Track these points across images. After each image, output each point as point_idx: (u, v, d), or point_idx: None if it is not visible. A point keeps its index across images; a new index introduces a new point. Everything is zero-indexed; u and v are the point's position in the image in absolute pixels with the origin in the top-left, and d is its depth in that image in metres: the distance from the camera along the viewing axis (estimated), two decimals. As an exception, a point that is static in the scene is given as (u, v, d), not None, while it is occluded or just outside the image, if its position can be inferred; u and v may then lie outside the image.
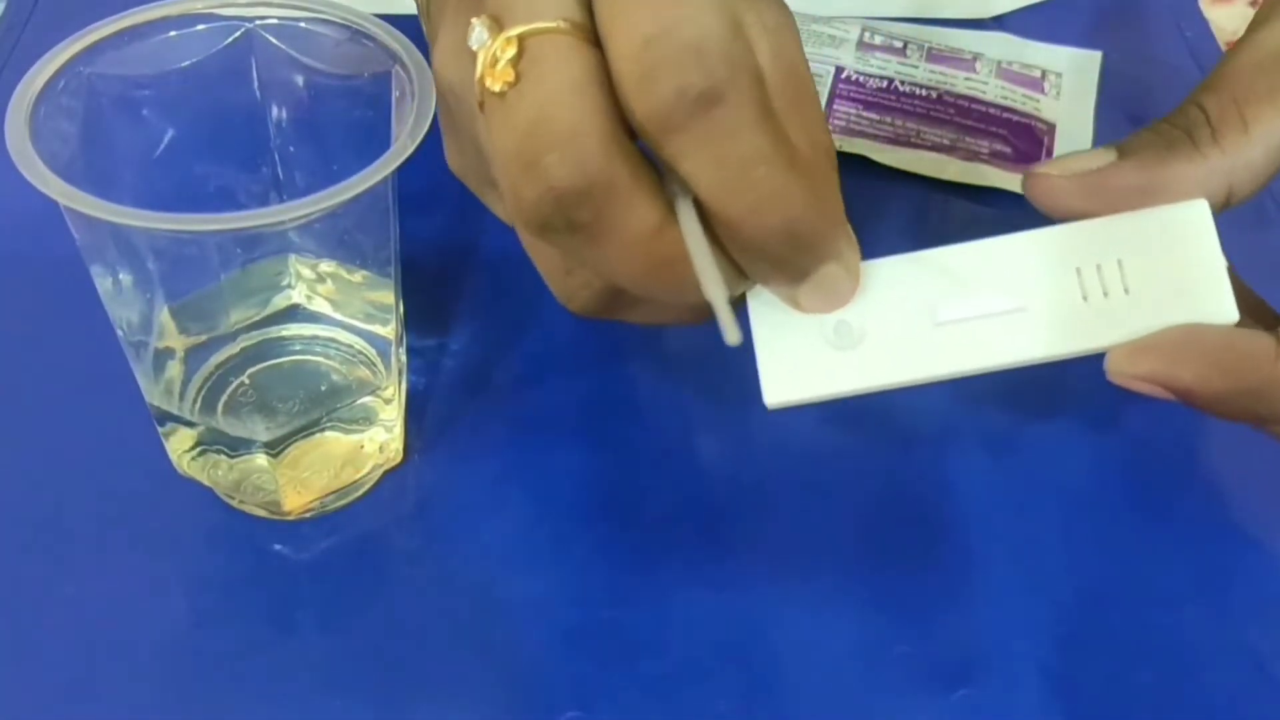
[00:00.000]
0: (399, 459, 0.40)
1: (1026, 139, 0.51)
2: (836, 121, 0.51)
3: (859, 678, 0.36)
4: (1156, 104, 0.52)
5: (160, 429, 0.38)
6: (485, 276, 0.47)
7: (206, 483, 0.39)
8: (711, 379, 0.44)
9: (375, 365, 0.39)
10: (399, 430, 0.40)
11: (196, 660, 0.36)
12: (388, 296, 0.38)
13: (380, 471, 0.40)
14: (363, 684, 0.36)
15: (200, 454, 0.38)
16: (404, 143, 0.33)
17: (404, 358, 0.40)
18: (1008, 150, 0.51)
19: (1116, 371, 0.28)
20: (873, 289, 0.28)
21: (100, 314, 0.36)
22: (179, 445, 0.38)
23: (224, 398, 0.38)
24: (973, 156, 0.50)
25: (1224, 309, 0.27)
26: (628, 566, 0.38)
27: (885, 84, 0.53)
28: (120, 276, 0.36)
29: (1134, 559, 0.39)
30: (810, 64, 0.53)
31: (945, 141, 0.51)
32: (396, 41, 0.35)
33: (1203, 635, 0.37)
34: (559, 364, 0.44)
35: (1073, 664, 0.36)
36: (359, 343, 0.40)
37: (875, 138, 0.51)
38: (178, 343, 0.38)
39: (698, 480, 0.41)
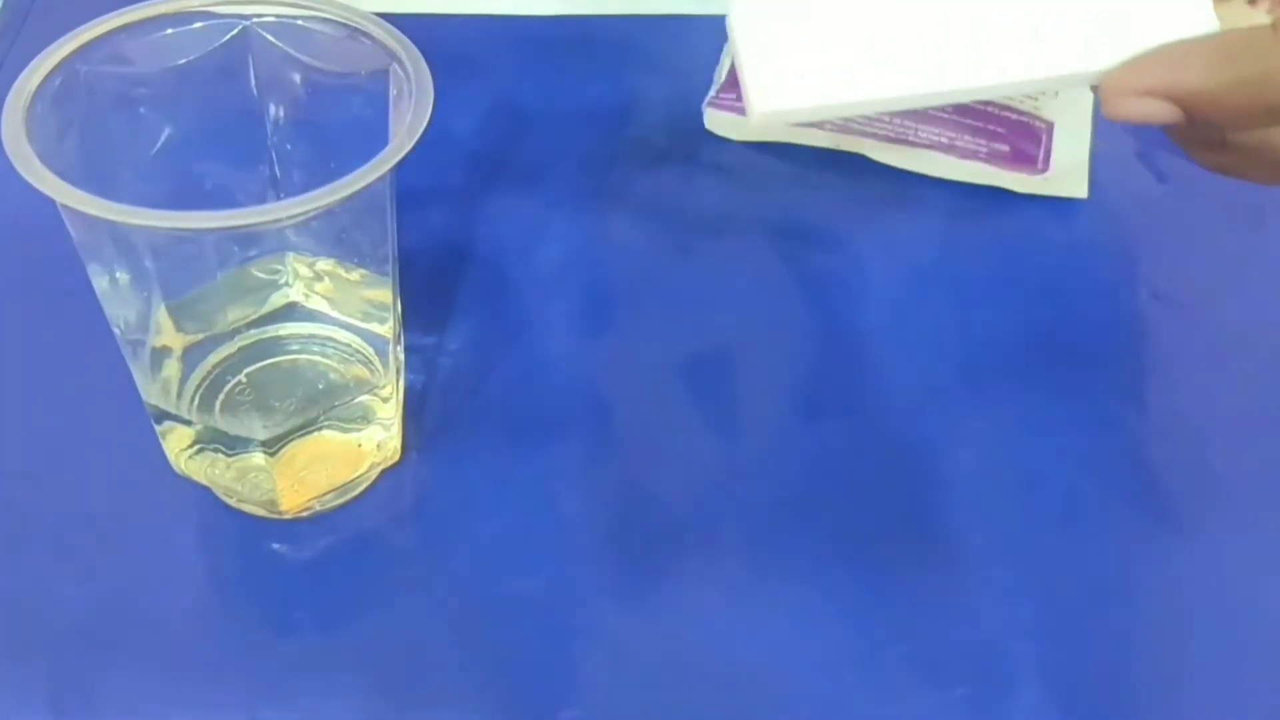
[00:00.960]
0: (397, 458, 0.40)
1: (1025, 138, 0.51)
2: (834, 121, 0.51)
3: (857, 676, 0.36)
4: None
5: (158, 428, 0.38)
6: (483, 275, 0.46)
7: (204, 481, 0.39)
8: (710, 379, 0.44)
9: (373, 364, 0.39)
10: (397, 429, 0.40)
11: (193, 659, 0.36)
12: (385, 295, 0.38)
13: (378, 470, 0.40)
14: (360, 683, 0.36)
15: (198, 453, 0.38)
16: (402, 140, 0.33)
17: (402, 356, 0.40)
18: (1005, 149, 0.51)
19: (1116, 89, 0.27)
20: (864, 4, 0.28)
21: (97, 313, 0.36)
22: (176, 444, 0.38)
23: (221, 396, 0.38)
24: (971, 155, 0.50)
25: (1204, 19, 0.28)
26: (625, 565, 0.38)
27: None
28: (117, 275, 0.36)
29: (1132, 556, 0.39)
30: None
31: (943, 140, 0.51)
32: (394, 39, 0.35)
33: (1201, 633, 0.37)
34: (557, 363, 0.44)
35: (1071, 662, 0.36)
36: (356, 341, 0.40)
37: (873, 136, 0.51)
38: (175, 341, 0.38)
39: (695, 479, 0.41)
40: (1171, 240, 0.49)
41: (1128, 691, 0.36)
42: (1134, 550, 0.39)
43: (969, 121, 0.51)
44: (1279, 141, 0.29)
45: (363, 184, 0.31)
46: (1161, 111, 0.27)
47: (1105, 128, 0.52)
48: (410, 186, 0.39)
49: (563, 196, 0.50)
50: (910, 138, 0.51)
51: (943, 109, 0.52)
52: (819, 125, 0.51)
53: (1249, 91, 0.27)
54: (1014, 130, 0.51)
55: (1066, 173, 0.50)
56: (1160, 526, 0.40)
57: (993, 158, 0.50)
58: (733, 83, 0.53)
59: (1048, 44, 0.27)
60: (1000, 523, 0.40)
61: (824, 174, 0.51)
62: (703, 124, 0.52)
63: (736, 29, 0.27)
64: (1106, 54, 0.27)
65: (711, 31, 0.56)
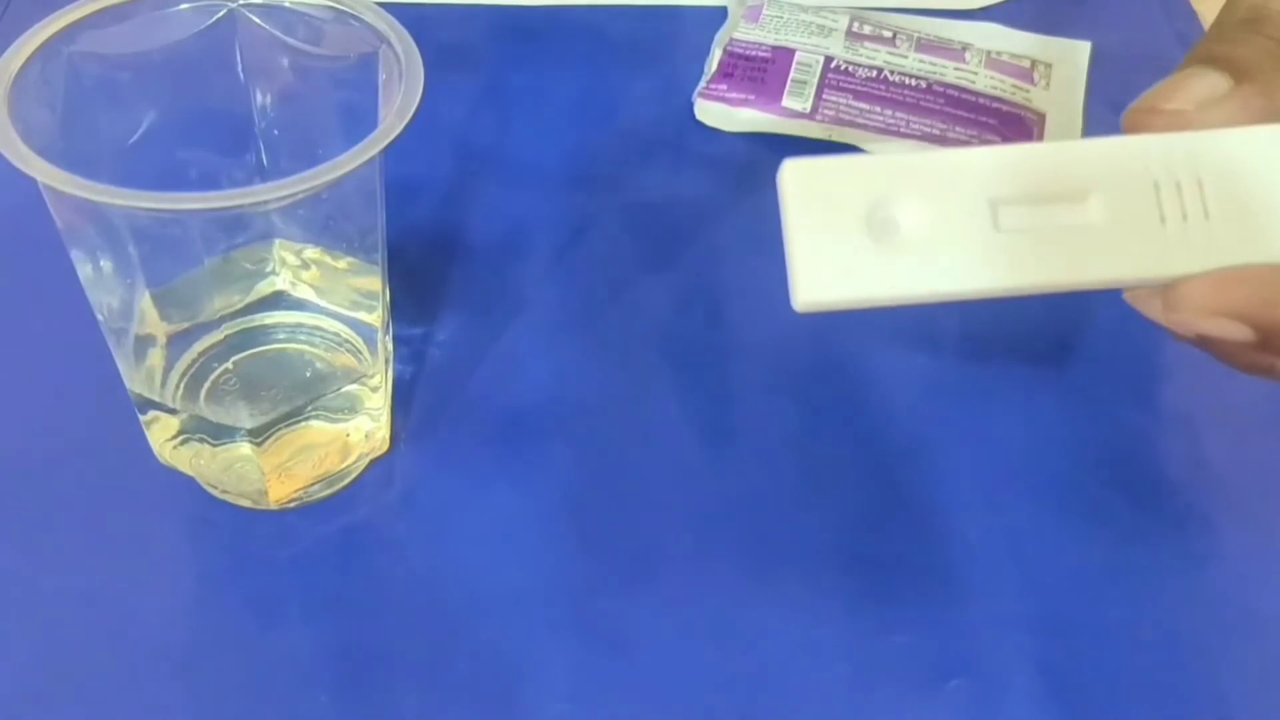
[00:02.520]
0: (385, 448, 0.40)
1: (1016, 129, 0.51)
2: (826, 111, 0.51)
3: (852, 668, 0.36)
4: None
5: (142, 417, 0.38)
6: (473, 266, 0.46)
7: (189, 472, 0.38)
8: (699, 371, 0.43)
9: (361, 353, 0.39)
10: (385, 419, 0.39)
11: (179, 652, 0.36)
12: (374, 283, 0.38)
13: (366, 461, 0.39)
14: (348, 676, 0.35)
15: (183, 443, 0.37)
16: (391, 123, 0.32)
17: (390, 346, 0.39)
18: (997, 140, 0.50)
19: (1194, 305, 0.25)
20: (927, 182, 0.24)
21: (81, 300, 0.36)
22: (161, 434, 0.38)
23: (207, 385, 0.38)
24: (963, 146, 0.50)
25: None
26: (616, 557, 0.38)
27: (875, 74, 0.52)
28: (101, 261, 0.35)
29: (1127, 550, 0.39)
30: (799, 53, 0.53)
31: (935, 131, 0.50)
32: (384, 21, 0.34)
33: (1197, 627, 0.37)
34: (546, 354, 0.43)
35: (1066, 654, 0.36)
36: (345, 330, 0.39)
37: (865, 128, 0.51)
38: (159, 329, 0.37)
39: (686, 471, 0.40)
40: None
41: (1122, 685, 0.36)
42: (1129, 544, 0.39)
43: (961, 113, 0.51)
44: None
45: (351, 166, 0.31)
46: (1234, 332, 0.25)
47: (1096, 118, 0.52)
48: (399, 176, 0.39)
49: (552, 187, 0.49)
50: (902, 129, 0.51)
51: (934, 101, 0.51)
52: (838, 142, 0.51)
53: None
54: (1005, 121, 0.51)
55: None
56: (1156, 520, 0.40)
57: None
58: (723, 74, 0.52)
59: (1131, 242, 0.25)
60: (995, 516, 0.39)
61: (816, 165, 0.50)
62: (693, 114, 0.52)
63: (787, 205, 0.25)
64: (1194, 259, 0.25)
65: (701, 21, 0.56)
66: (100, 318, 0.36)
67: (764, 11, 0.55)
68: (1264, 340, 0.25)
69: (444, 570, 0.37)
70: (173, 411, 0.37)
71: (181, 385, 0.37)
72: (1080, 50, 0.55)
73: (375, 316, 0.38)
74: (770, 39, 0.54)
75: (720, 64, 0.53)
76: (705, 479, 0.40)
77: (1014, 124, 0.51)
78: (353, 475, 0.39)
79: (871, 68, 0.53)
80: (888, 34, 0.54)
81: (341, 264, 0.38)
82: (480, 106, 0.52)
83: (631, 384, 0.43)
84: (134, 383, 0.37)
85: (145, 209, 0.30)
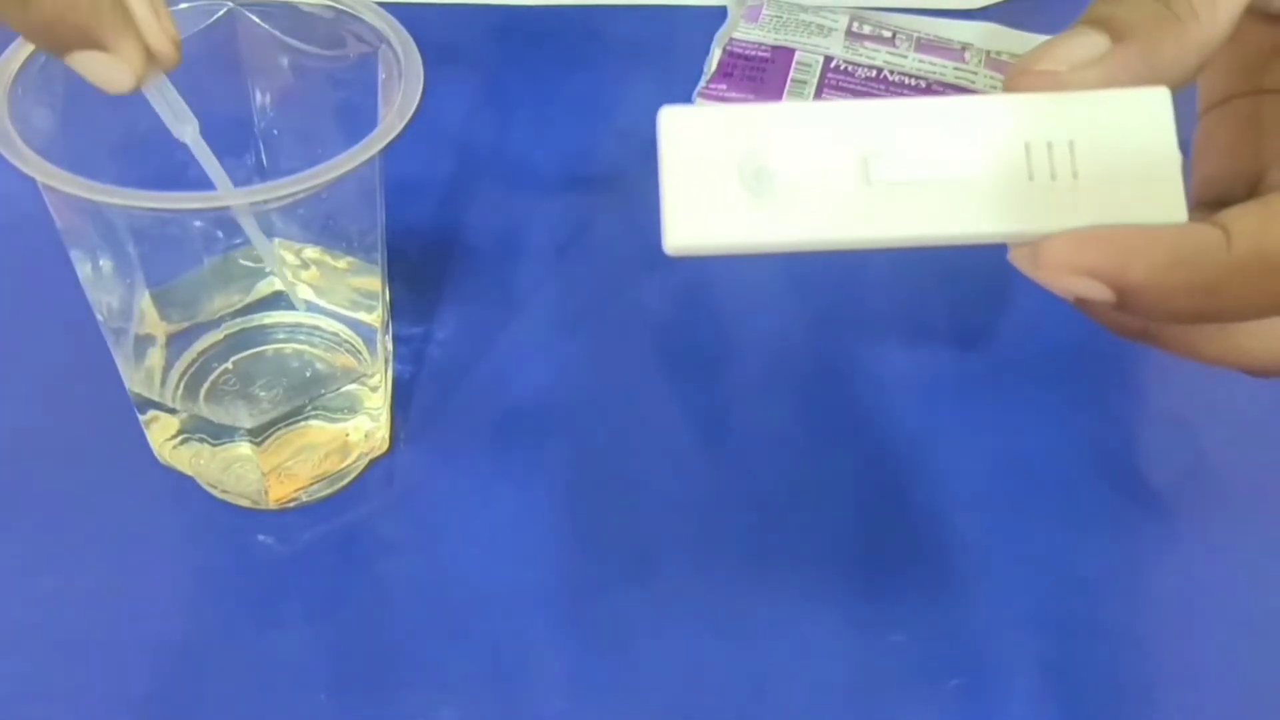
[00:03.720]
0: (385, 448, 0.40)
1: None
2: None
3: (852, 667, 0.36)
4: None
5: (141, 417, 0.38)
6: (473, 265, 0.46)
7: (189, 472, 0.38)
8: (698, 371, 0.43)
9: (360, 353, 0.39)
10: (385, 419, 0.39)
11: (179, 652, 0.36)
12: (374, 283, 0.38)
13: (366, 461, 0.39)
14: (348, 675, 0.35)
15: (182, 442, 0.37)
16: (391, 123, 0.32)
17: (390, 345, 0.39)
18: None
19: (1055, 262, 0.25)
20: (801, 133, 0.25)
21: (81, 300, 0.36)
22: (161, 434, 0.38)
23: (206, 385, 0.37)
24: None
25: (1175, 208, 0.25)
26: (615, 556, 0.38)
27: (874, 73, 0.52)
28: (100, 261, 0.35)
29: (1127, 549, 0.39)
30: (799, 52, 0.52)
31: None
32: (384, 21, 0.34)
33: (1196, 625, 0.37)
34: (546, 354, 0.43)
35: (1065, 654, 0.36)
36: (344, 330, 0.39)
37: None
38: (159, 329, 0.37)
39: (685, 470, 0.40)
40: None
41: (1122, 684, 0.36)
42: (1129, 543, 0.39)
43: None
44: (1196, 342, 0.28)
45: (351, 166, 0.31)
46: (1095, 291, 0.25)
47: None
48: (399, 176, 0.38)
49: (552, 187, 0.49)
50: None
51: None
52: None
53: (1192, 300, 0.25)
54: None
55: None
56: (1155, 520, 0.40)
57: None
58: (723, 73, 0.52)
59: (999, 198, 0.25)
60: (996, 515, 0.39)
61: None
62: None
63: (662, 154, 0.25)
64: (1061, 217, 0.25)
65: (701, 21, 0.56)
66: (100, 317, 0.36)
67: (764, 11, 0.55)
68: (1121, 301, 0.25)
69: (443, 569, 0.37)
70: (172, 411, 0.37)
71: (181, 385, 0.37)
72: None
73: (375, 316, 0.38)
74: (770, 39, 0.54)
75: (720, 63, 0.53)
76: (704, 478, 0.40)
77: None
78: (352, 475, 0.39)
79: (871, 67, 0.53)
80: (887, 34, 0.54)
81: (341, 264, 0.38)
82: (480, 106, 0.52)
83: (630, 383, 0.43)
84: (133, 382, 0.37)
85: (145, 209, 0.30)
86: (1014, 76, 0.26)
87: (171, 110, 0.31)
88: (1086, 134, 0.25)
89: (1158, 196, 0.25)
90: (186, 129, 0.32)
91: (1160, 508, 0.40)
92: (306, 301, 0.39)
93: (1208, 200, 0.30)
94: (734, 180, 0.25)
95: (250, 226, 0.32)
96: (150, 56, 0.30)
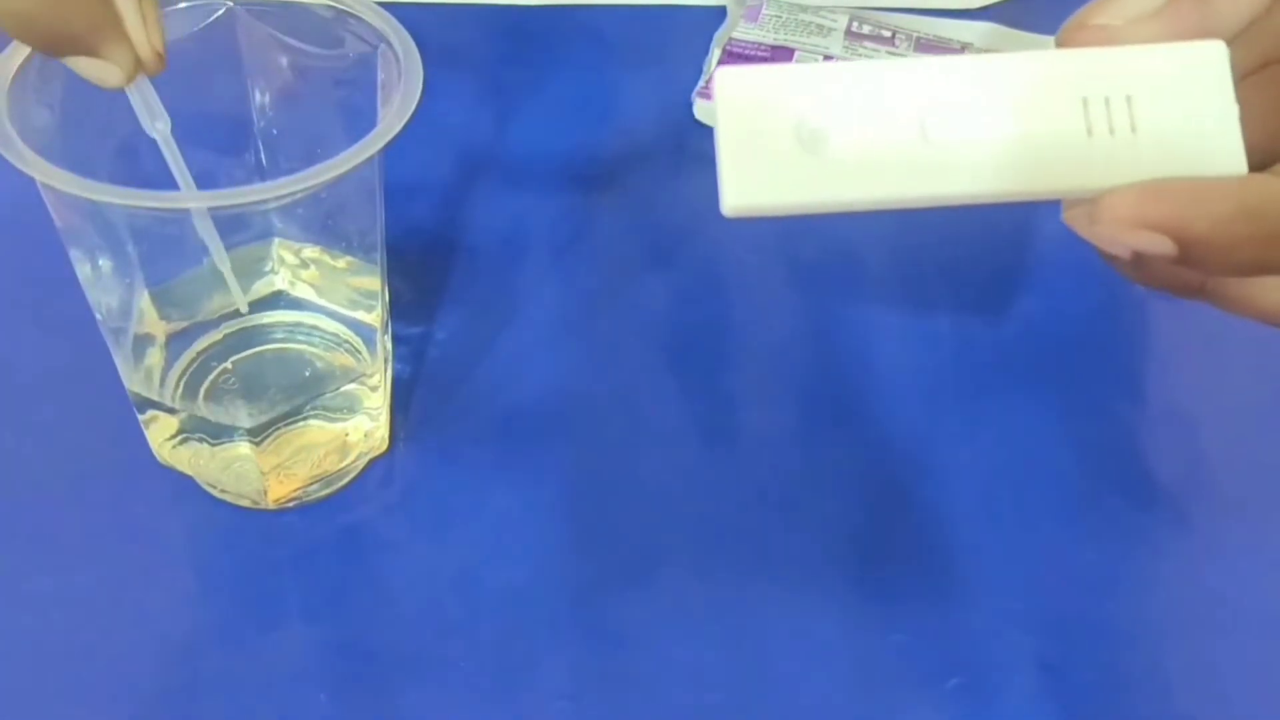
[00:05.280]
0: (384, 447, 0.40)
1: None
2: None
3: (852, 667, 0.36)
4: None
5: (140, 417, 0.38)
6: (472, 265, 0.46)
7: (188, 472, 0.38)
8: (699, 370, 0.43)
9: (360, 352, 0.39)
10: (384, 419, 0.39)
11: (179, 651, 0.36)
12: (373, 283, 0.38)
13: (365, 460, 0.39)
14: (348, 674, 0.35)
15: (182, 442, 0.37)
16: (390, 123, 0.32)
17: (389, 345, 0.39)
18: None
19: (1117, 216, 0.25)
20: (858, 92, 0.25)
21: (80, 299, 0.36)
22: (160, 433, 0.38)
23: (206, 384, 0.37)
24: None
25: (1234, 160, 0.25)
26: (615, 555, 0.38)
27: None
28: (99, 261, 0.35)
29: (1125, 547, 0.39)
30: (798, 52, 0.52)
31: None
32: (383, 20, 0.34)
33: (1194, 624, 0.37)
34: (545, 353, 0.43)
35: (1065, 653, 0.36)
36: (344, 330, 0.39)
37: None
38: (158, 329, 0.37)
39: (686, 470, 0.40)
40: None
41: (1121, 684, 0.36)
42: (1128, 541, 0.39)
43: None
44: (1255, 295, 0.28)
45: (351, 165, 0.31)
46: (1157, 245, 0.25)
47: None
48: (399, 176, 0.38)
49: (551, 187, 0.49)
50: None
51: None
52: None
53: (1257, 250, 0.25)
54: None
55: None
56: (1154, 518, 0.39)
57: None
58: None
59: (1058, 154, 0.25)
60: (995, 515, 0.39)
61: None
62: (692, 114, 0.52)
63: (720, 115, 0.25)
64: (1120, 171, 0.25)
65: (700, 21, 0.56)
66: (99, 317, 0.36)
67: (763, 11, 0.55)
68: (1184, 254, 0.25)
69: (443, 568, 0.37)
70: (171, 411, 0.37)
71: (180, 385, 0.37)
72: None
73: (374, 316, 0.38)
74: (769, 38, 0.53)
75: (719, 63, 0.53)
76: (705, 478, 0.40)
77: None
78: (352, 475, 0.39)
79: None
80: (886, 33, 0.54)
81: (341, 263, 0.38)
82: (479, 106, 0.52)
83: (630, 383, 0.43)
84: (133, 382, 0.37)
85: (144, 208, 0.30)
86: (1069, 31, 0.26)
87: (147, 107, 0.32)
88: (1144, 88, 0.25)
89: (1217, 149, 0.25)
90: (158, 125, 0.33)
91: (1160, 507, 0.40)
92: (304, 298, 0.39)
93: (1257, 167, 0.29)
94: (790, 140, 0.24)
95: (205, 226, 0.33)
96: (138, 63, 0.31)
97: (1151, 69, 0.25)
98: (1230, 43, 0.26)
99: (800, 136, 0.24)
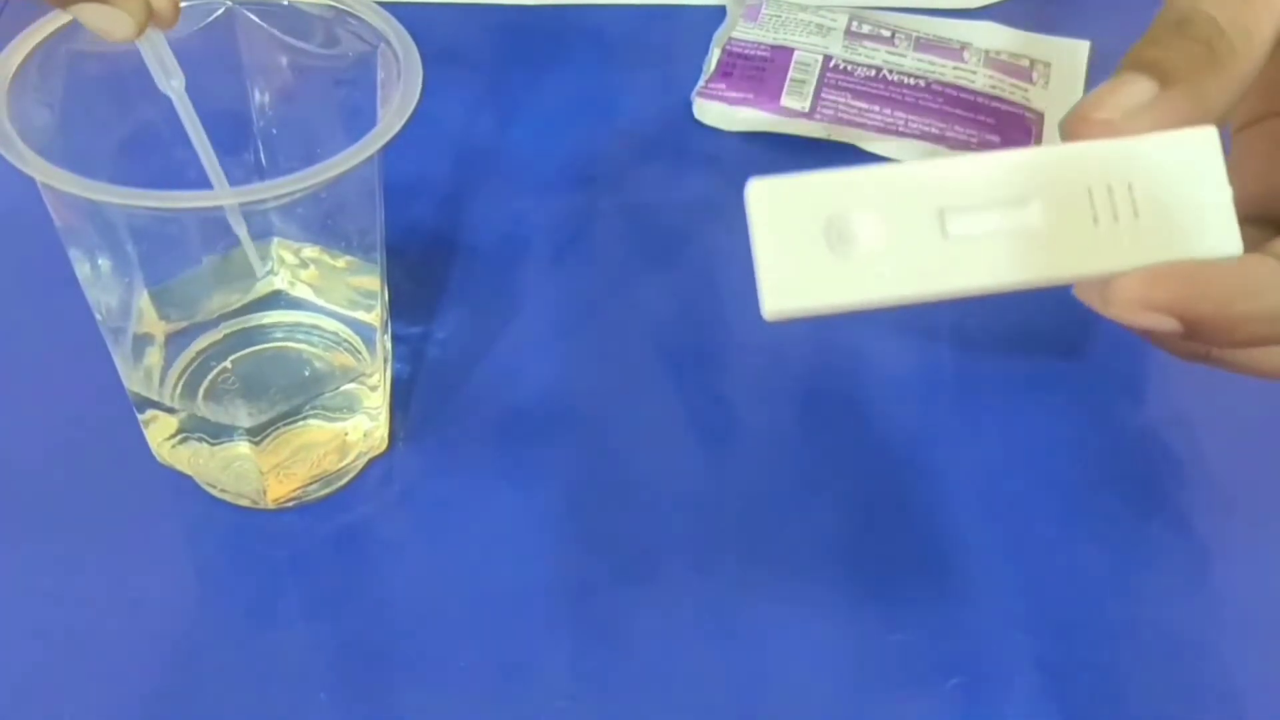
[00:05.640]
0: (384, 447, 0.40)
1: (1015, 128, 0.51)
2: (825, 110, 0.51)
3: (852, 667, 0.36)
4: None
5: (140, 416, 0.38)
6: (472, 265, 0.46)
7: (188, 471, 0.38)
8: (699, 370, 0.43)
9: (359, 352, 0.39)
10: (384, 418, 0.39)
11: (178, 651, 0.36)
12: (372, 282, 0.38)
13: (365, 460, 0.39)
14: (348, 675, 0.35)
15: (181, 441, 0.37)
16: (390, 122, 0.32)
17: (389, 345, 0.39)
18: (996, 139, 0.50)
19: (1126, 299, 0.27)
20: (880, 195, 0.26)
21: (79, 299, 0.36)
22: (159, 433, 0.37)
23: (205, 384, 0.37)
24: (962, 145, 0.50)
25: (1230, 241, 0.27)
26: (615, 555, 0.38)
27: (874, 73, 0.52)
28: (99, 260, 0.35)
29: (1126, 548, 0.39)
30: (798, 52, 0.52)
31: (934, 130, 0.50)
32: (382, 20, 0.34)
33: (1195, 625, 0.37)
34: (545, 352, 0.43)
35: (1065, 653, 0.36)
36: (343, 330, 0.39)
37: (864, 127, 0.51)
38: (157, 328, 0.37)
39: (685, 470, 0.40)
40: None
41: (1121, 684, 0.36)
42: (1128, 542, 0.39)
43: (959, 112, 0.51)
44: (1259, 360, 0.30)
45: (351, 165, 0.31)
46: (1164, 324, 0.27)
47: None
48: (399, 176, 0.39)
49: (551, 187, 0.49)
50: (901, 128, 0.50)
51: (933, 100, 0.51)
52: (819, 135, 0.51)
53: (1257, 328, 0.27)
54: (1004, 121, 0.51)
55: None
56: (1155, 520, 0.39)
57: (983, 147, 0.50)
58: (722, 73, 0.52)
59: (1069, 242, 0.27)
60: (995, 515, 0.39)
61: (815, 164, 0.50)
62: (692, 114, 0.52)
63: (752, 220, 0.26)
64: (1127, 255, 0.26)
65: (700, 20, 0.56)
66: (98, 317, 0.36)
67: (763, 10, 0.55)
68: (1190, 331, 0.27)
69: (443, 568, 0.37)
70: (171, 410, 0.37)
71: (180, 384, 0.37)
72: (1079, 49, 0.55)
73: (374, 315, 0.38)
74: (769, 38, 0.53)
75: (719, 63, 0.53)
76: (704, 478, 0.40)
77: (1013, 123, 0.51)
78: (351, 474, 0.39)
79: (870, 67, 0.52)
80: (886, 33, 0.54)
81: (340, 263, 0.38)
82: (479, 106, 0.52)
83: (630, 383, 0.43)
84: (132, 382, 0.37)
85: (143, 208, 0.30)
86: (1072, 124, 0.28)
87: (161, 64, 0.32)
88: (1143, 175, 0.27)
89: (1214, 230, 0.26)
90: (173, 83, 0.33)
91: (1160, 508, 0.40)
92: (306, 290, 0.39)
93: (1245, 216, 0.31)
94: (821, 244, 0.26)
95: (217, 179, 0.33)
96: (151, 13, 0.31)
97: (1149, 157, 0.27)
98: (1223, 120, 0.27)
99: (829, 240, 0.26)
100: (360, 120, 0.34)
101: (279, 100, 0.38)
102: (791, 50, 0.53)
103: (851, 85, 0.52)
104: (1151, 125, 0.27)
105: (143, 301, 0.37)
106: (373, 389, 0.38)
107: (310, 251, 0.39)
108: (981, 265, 0.26)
